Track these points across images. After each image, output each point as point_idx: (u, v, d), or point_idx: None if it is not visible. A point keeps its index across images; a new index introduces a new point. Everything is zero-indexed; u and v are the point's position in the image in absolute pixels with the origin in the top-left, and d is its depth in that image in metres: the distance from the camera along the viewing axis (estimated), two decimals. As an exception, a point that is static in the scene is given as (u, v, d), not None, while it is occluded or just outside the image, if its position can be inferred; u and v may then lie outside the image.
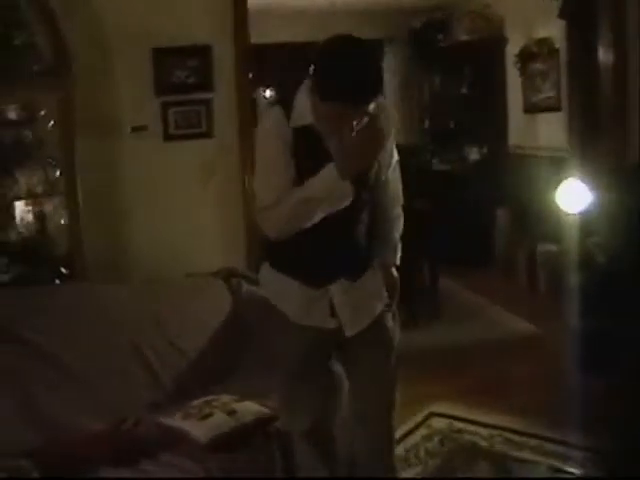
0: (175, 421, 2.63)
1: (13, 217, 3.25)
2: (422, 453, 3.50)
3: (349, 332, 2.42)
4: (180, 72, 3.62)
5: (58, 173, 3.31)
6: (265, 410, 2.68)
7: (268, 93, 7.50)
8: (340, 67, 2.05)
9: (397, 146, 2.46)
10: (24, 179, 3.22)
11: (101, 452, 2.52)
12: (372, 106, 2.10)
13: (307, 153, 2.21)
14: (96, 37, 3.47)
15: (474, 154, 7.22)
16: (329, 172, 2.13)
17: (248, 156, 3.73)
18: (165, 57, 3.59)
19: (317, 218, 2.21)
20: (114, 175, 3.59)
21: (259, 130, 2.38)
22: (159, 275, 3.46)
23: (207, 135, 3.75)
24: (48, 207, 3.31)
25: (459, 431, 3.70)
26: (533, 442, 3.51)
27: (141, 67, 3.59)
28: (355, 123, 2.08)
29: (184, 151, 3.72)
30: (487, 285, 6.20)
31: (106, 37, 3.49)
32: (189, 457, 2.48)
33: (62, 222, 3.33)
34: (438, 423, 3.80)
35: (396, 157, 2.50)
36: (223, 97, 3.75)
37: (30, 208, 3.29)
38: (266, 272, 2.48)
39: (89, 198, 3.40)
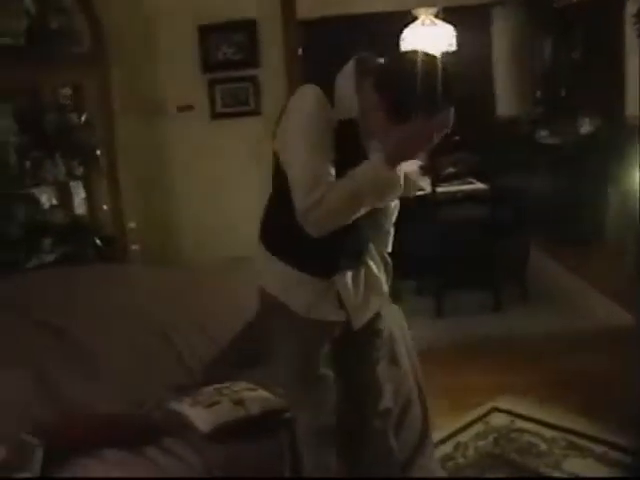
0: (182, 407, 2.63)
1: (56, 199, 3.36)
2: (471, 452, 3.33)
3: (357, 324, 2.36)
4: (226, 48, 3.60)
5: (101, 155, 3.38)
6: (276, 401, 2.63)
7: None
8: (418, 86, 1.94)
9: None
10: (67, 161, 3.32)
11: (109, 434, 2.57)
12: None
13: (341, 146, 2.05)
14: (139, 18, 3.52)
15: (586, 126, 6.77)
16: (375, 161, 1.99)
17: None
18: (210, 33, 3.58)
19: (363, 212, 2.07)
20: (160, 156, 3.64)
21: (297, 112, 2.07)
22: (202, 258, 3.48)
23: (255, 113, 3.72)
24: (91, 189, 3.40)
25: (519, 430, 3.44)
26: (599, 449, 3.24)
27: (186, 45, 3.60)
28: None
29: (231, 130, 3.71)
30: (588, 268, 5.81)
31: (150, 17, 3.52)
32: (191, 446, 2.48)
33: (105, 204, 3.41)
34: (498, 420, 3.55)
35: None
36: (271, 73, 3.69)
37: (72, 190, 3.39)
38: (270, 265, 2.40)
39: (134, 179, 3.47)
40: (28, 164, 3.22)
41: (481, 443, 3.34)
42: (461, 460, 3.25)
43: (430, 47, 6.90)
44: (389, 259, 2.50)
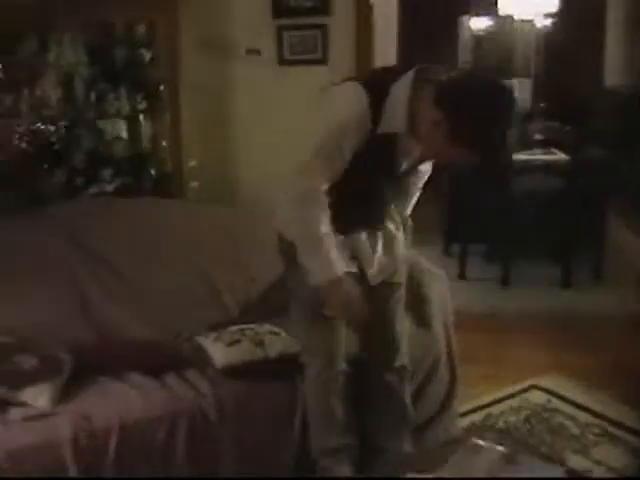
0: (206, 341, 2.75)
1: (119, 131, 3.50)
2: (498, 425, 3.26)
3: (373, 279, 2.43)
4: (298, -6, 3.62)
5: (164, 92, 3.49)
6: (295, 347, 2.70)
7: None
8: (487, 118, 1.94)
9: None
10: (131, 95, 3.45)
11: (135, 358, 2.72)
12: None
13: (373, 156, 2.09)
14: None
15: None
16: (326, 271, 2.14)
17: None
18: (283, -23, 3.60)
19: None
20: (224, 97, 3.72)
21: (332, 117, 2.15)
22: (258, 200, 3.56)
23: (322, 62, 3.73)
24: (152, 124, 3.52)
25: (553, 410, 3.37)
26: (634, 441, 3.10)
27: (259, -12, 3.63)
28: None
29: (297, 77, 3.73)
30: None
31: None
32: (207, 379, 2.59)
33: (165, 140, 3.53)
34: (536, 397, 3.49)
35: None
36: (341, 22, 3.69)
37: (135, 124, 3.52)
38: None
39: (197, 118, 3.57)
40: (93, 96, 3.36)
41: (512, 418, 3.31)
42: (488, 434, 3.19)
43: (528, 6, 6.66)
44: (409, 220, 2.51)
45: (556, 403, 3.44)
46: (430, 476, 2.02)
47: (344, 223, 2.27)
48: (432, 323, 2.97)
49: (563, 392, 3.52)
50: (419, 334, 2.89)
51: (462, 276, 5.20)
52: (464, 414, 3.25)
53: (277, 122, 3.76)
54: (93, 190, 3.50)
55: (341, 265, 2.16)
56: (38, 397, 2.39)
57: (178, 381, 2.58)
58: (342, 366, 2.43)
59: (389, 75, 2.12)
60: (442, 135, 1.97)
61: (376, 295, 2.46)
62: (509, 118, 1.99)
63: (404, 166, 2.23)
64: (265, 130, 3.75)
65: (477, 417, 3.31)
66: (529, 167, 5.24)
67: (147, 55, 3.48)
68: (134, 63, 3.43)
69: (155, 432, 2.36)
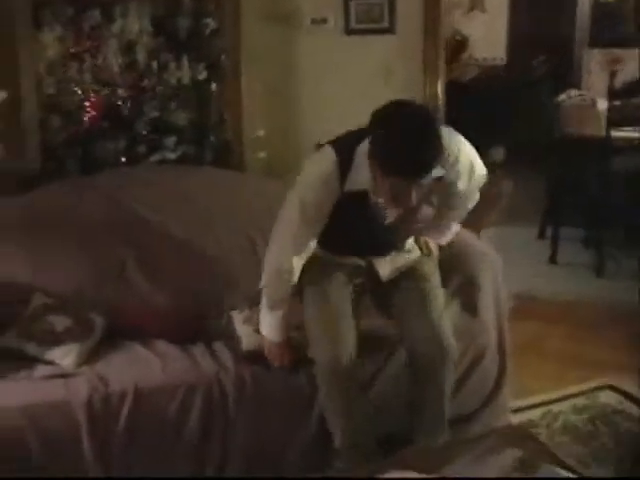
0: (237, 320, 2.77)
1: (182, 100, 3.57)
2: (557, 424, 3.06)
3: (384, 275, 2.53)
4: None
5: (227, 62, 3.53)
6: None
7: None
8: (404, 143, 2.03)
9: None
10: (193, 65, 3.51)
11: (166, 326, 2.80)
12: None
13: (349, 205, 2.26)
14: None
15: None
16: (264, 327, 2.51)
17: (431, 58, 3.58)
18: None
19: None
20: (288, 67, 3.71)
21: (303, 182, 2.35)
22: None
23: (389, 31, 3.66)
24: (214, 95, 3.58)
25: (621, 412, 3.13)
26: None
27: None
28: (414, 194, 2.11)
29: (362, 47, 3.68)
30: None
31: None
32: (232, 356, 2.63)
33: (226, 110, 3.58)
34: (606, 397, 3.25)
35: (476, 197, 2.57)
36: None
37: (197, 94, 3.58)
38: None
39: (260, 88, 3.59)
40: (155, 65, 3.45)
41: (573, 417, 3.11)
42: (541, 430, 3.02)
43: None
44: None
45: (628, 406, 3.17)
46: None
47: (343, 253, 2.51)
48: (480, 309, 2.87)
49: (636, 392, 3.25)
50: (465, 321, 2.80)
51: (553, 260, 5.00)
52: (522, 409, 3.11)
53: (342, 93, 3.73)
54: (155, 158, 3.60)
55: (279, 335, 2.50)
56: (65, 357, 2.52)
57: (204, 353, 2.63)
58: (349, 359, 2.38)
59: (355, 137, 2.24)
60: (380, 179, 2.12)
61: (398, 287, 2.53)
62: (419, 136, 2.03)
63: (390, 216, 2.33)
64: (330, 101, 3.72)
65: (535, 414, 3.12)
66: (628, 145, 4.91)
67: (211, 25, 3.51)
68: (198, 33, 3.48)
69: (169, 402, 2.42)
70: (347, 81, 3.73)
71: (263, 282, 2.48)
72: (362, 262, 2.52)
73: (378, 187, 2.18)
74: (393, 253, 2.54)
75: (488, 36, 7.62)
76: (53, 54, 3.24)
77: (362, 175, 2.20)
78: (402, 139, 2.03)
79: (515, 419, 3.01)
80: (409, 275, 2.54)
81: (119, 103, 3.45)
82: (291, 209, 2.35)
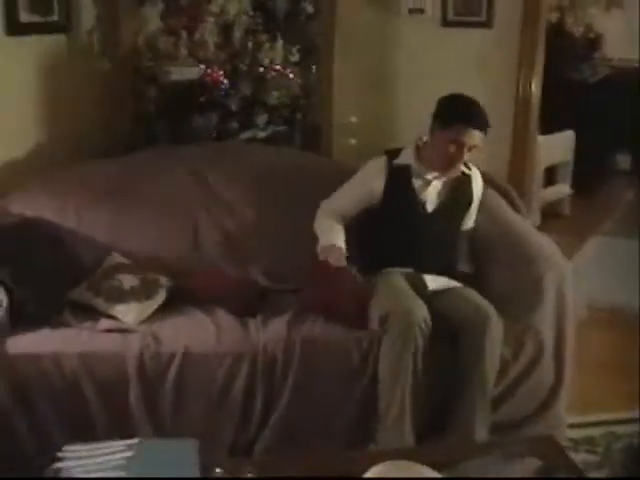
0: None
1: (274, 80, 3.68)
2: (618, 445, 2.96)
3: (431, 285, 2.76)
4: (466, -47, 3.53)
5: (321, 45, 3.62)
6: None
7: None
8: (465, 101, 2.79)
9: None
10: (287, 47, 3.61)
11: (228, 295, 2.93)
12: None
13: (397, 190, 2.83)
14: None
15: None
16: (323, 243, 2.82)
17: (527, 53, 3.53)
18: None
19: None
20: (384, 53, 3.75)
21: (355, 176, 2.98)
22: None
23: (486, 25, 3.62)
24: (305, 76, 3.67)
25: None
26: None
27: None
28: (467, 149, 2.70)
29: (458, 39, 3.67)
30: None
31: None
32: (286, 329, 2.72)
33: (317, 94, 3.67)
34: None
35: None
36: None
37: (290, 74, 3.68)
38: None
39: (353, 75, 3.66)
40: (250, 45, 3.57)
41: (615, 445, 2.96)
42: (588, 456, 2.90)
43: None
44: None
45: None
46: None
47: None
48: (537, 315, 2.82)
49: None
50: (518, 324, 2.78)
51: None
52: (582, 425, 3.05)
53: (436, 83, 3.72)
54: (246, 135, 3.73)
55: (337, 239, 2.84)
56: (127, 314, 2.69)
57: (258, 326, 2.74)
58: (422, 321, 2.52)
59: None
60: (439, 136, 2.75)
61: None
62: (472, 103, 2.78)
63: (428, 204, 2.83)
64: (423, 90, 3.72)
65: (594, 432, 3.03)
66: None
67: (308, 9, 3.60)
68: (294, 15, 3.57)
69: (216, 368, 2.54)
70: (441, 72, 3.73)
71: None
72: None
73: (434, 146, 2.76)
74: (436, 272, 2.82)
75: (625, 35, 7.28)
76: (152, 29, 3.41)
77: (407, 155, 2.85)
78: (463, 99, 2.77)
79: (573, 434, 2.95)
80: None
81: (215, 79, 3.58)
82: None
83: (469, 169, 2.91)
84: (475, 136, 2.69)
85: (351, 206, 2.91)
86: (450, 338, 2.63)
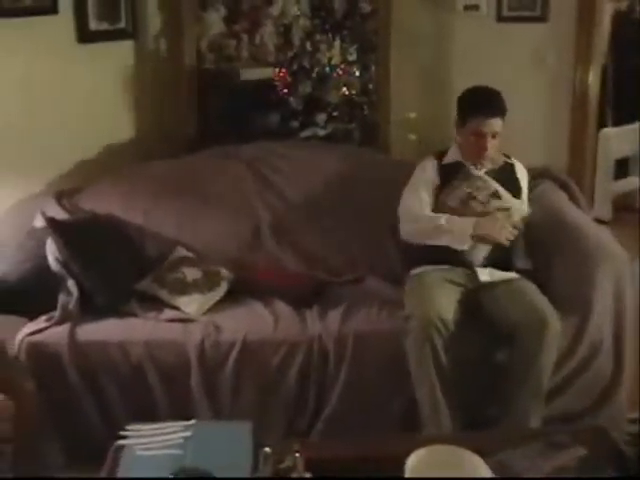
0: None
1: (332, 79, 3.79)
2: None
3: (483, 277, 2.79)
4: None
5: (378, 43, 3.71)
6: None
7: None
8: (471, 93, 2.91)
9: None
10: (344, 46, 3.72)
11: (285, 287, 3.06)
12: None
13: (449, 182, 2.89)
14: None
15: None
16: (468, 226, 2.73)
17: (583, 46, 3.53)
18: None
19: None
20: (441, 50, 3.80)
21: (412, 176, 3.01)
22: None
23: (541, 19, 3.64)
24: (364, 74, 3.77)
25: None
26: None
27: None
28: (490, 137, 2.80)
29: (515, 34, 3.69)
30: None
31: None
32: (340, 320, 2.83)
33: (376, 91, 3.76)
34: None
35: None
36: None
37: (348, 73, 3.78)
38: None
39: (411, 72, 3.74)
40: (308, 45, 3.69)
41: None
42: None
43: None
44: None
45: None
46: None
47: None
48: (594, 308, 2.79)
49: None
50: (574, 318, 2.78)
51: None
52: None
53: (493, 79, 3.74)
54: (306, 133, 3.86)
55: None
56: (189, 305, 2.84)
57: (314, 317, 2.84)
58: (437, 317, 2.55)
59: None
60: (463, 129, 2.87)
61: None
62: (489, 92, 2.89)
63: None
64: (478, 83, 3.76)
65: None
66: None
67: (365, 8, 3.69)
68: (352, 15, 3.67)
69: (273, 356, 2.66)
70: (497, 68, 3.75)
71: (412, 236, 2.89)
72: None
73: (462, 143, 2.88)
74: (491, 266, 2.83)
75: None
76: (215, 33, 3.57)
77: (454, 153, 2.95)
78: (474, 91, 2.89)
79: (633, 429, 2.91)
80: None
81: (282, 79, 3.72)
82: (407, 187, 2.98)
83: (509, 158, 2.95)
84: (492, 124, 2.79)
85: (424, 204, 2.92)
86: (506, 335, 2.65)
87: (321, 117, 3.86)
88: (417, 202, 2.89)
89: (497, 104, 2.83)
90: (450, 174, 2.90)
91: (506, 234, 2.75)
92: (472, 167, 2.88)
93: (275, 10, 3.66)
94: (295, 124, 3.86)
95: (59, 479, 2.25)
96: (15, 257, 2.84)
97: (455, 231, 2.75)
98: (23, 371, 2.59)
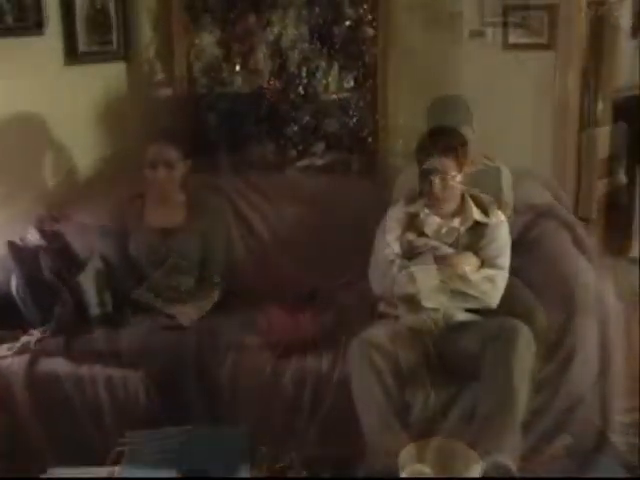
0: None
1: (331, 108, 4.49)
2: None
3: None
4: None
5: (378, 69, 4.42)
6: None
7: None
8: (422, 138, 3.52)
9: None
10: (342, 73, 4.43)
11: (283, 293, 3.78)
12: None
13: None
14: None
15: None
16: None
17: (591, 73, 4.22)
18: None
19: None
20: (442, 77, 4.45)
21: None
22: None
23: (548, 47, 4.36)
24: (359, 97, 4.45)
25: None
26: None
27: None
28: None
29: (521, 62, 4.36)
30: None
31: None
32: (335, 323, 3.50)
33: (374, 119, 4.46)
34: None
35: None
36: (572, 3, 4.27)
37: (345, 102, 4.48)
38: None
39: (412, 96, 4.39)
40: (305, 71, 4.40)
41: None
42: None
43: None
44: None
45: None
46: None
47: None
48: (575, 309, 3.34)
49: None
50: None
51: None
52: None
53: (498, 109, 4.41)
54: (302, 163, 4.52)
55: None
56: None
57: (307, 320, 3.49)
58: (375, 354, 3.15)
59: None
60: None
61: None
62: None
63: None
64: (484, 116, 4.39)
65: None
66: None
67: (369, 32, 4.40)
68: (351, 40, 4.38)
69: (267, 359, 3.35)
70: (503, 97, 4.42)
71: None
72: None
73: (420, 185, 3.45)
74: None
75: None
76: (207, 57, 4.31)
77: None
78: (427, 135, 3.50)
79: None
80: None
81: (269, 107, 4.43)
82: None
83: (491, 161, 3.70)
84: (443, 162, 3.35)
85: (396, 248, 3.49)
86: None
87: (318, 146, 4.51)
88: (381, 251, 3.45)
89: (445, 141, 3.42)
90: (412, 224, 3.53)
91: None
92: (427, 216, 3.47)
93: (271, 35, 4.37)
94: (292, 153, 4.52)
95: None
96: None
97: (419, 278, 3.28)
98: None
